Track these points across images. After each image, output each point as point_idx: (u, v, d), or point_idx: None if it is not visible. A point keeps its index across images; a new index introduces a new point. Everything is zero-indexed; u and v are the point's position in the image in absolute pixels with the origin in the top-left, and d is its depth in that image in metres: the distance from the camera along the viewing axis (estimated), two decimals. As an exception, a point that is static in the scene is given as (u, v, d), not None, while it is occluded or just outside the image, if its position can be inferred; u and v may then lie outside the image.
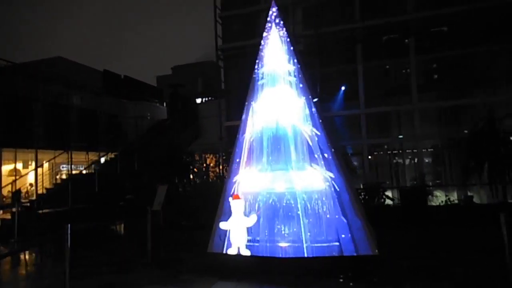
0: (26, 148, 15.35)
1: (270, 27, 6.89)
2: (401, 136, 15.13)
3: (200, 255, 6.75)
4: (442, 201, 10.94)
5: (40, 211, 11.37)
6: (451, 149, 14.48)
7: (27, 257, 8.75)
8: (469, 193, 12.29)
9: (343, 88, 15.19)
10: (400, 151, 15.63)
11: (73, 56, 23.00)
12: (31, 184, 14.81)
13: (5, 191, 14.32)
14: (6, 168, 15.77)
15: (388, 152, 15.78)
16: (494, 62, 14.16)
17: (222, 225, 6.23)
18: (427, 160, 15.44)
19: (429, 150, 15.57)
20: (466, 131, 12.19)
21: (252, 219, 6.00)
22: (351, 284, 5.34)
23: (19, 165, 16.35)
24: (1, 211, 13.20)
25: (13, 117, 14.53)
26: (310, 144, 6.14)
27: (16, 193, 13.36)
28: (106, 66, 22.93)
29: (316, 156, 6.06)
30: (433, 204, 10.87)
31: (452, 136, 14.26)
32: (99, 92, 19.36)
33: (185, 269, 6.60)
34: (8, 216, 12.55)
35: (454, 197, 12.22)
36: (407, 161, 15.59)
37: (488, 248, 6.75)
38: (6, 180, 14.90)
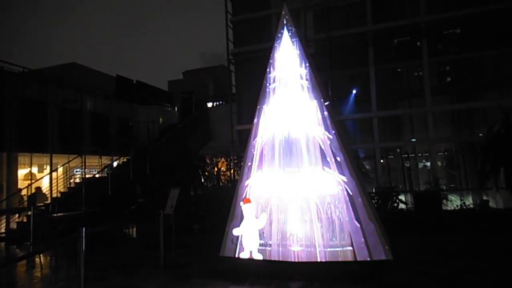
0: (41, 153, 15.64)
1: (282, 30, 6.90)
2: (414, 140, 14.93)
3: (212, 259, 6.76)
4: (457, 205, 10.74)
5: (55, 215, 11.55)
6: (465, 153, 14.22)
7: (42, 259, 8.90)
8: (484, 197, 12.04)
9: (354, 91, 15.09)
10: (413, 155, 15.42)
11: (87, 62, 23.43)
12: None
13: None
14: (22, 172, 16.09)
15: (401, 155, 15.58)
16: (509, 64, 13.90)
17: (235, 231, 6.22)
18: (440, 164, 15.20)
19: (443, 153, 15.33)
20: (480, 134, 11.96)
21: (263, 219, 6.02)
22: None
23: (35, 169, 16.65)
24: (17, 215, 13.44)
25: (28, 122, 14.84)
26: (322, 147, 6.11)
27: (32, 197, 13.59)
28: (118, 71, 23.33)
29: (328, 159, 6.02)
30: (448, 208, 10.67)
31: (466, 139, 14.02)
32: (111, 97, 19.65)
33: (197, 272, 6.60)
34: (24, 220, 12.82)
35: (469, 201, 11.99)
36: (421, 165, 15.36)
37: (505, 254, 6.60)
38: (22, 184, 15.20)
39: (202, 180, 14.17)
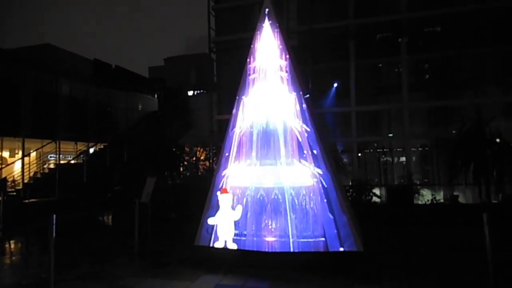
0: (12, 137, 15.07)
1: (263, 21, 6.86)
2: (391, 135, 15.26)
3: (187, 248, 6.76)
4: (428, 200, 11.11)
5: (27, 201, 11.23)
6: (439, 149, 14.67)
7: (12, 246, 8.67)
8: (455, 193, 12.50)
9: (335, 85, 15.24)
10: (389, 150, 15.79)
11: (62, 44, 22.49)
12: None
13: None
14: (-8, 156, 15.52)
15: (378, 150, 15.92)
16: (484, 63, 14.34)
17: (210, 221, 6.22)
18: (415, 159, 15.62)
19: (418, 149, 15.75)
20: (454, 132, 12.36)
21: (238, 211, 6.03)
22: (335, 278, 5.41)
23: (6, 154, 16.08)
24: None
25: (-1, 104, 14.24)
26: (300, 140, 6.16)
27: (2, 182, 13.14)
28: (96, 55, 22.61)
29: (305, 152, 6.09)
30: (420, 202, 11.03)
31: (441, 136, 14.45)
32: (89, 81, 19.09)
33: (171, 261, 6.60)
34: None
35: (440, 196, 12.41)
36: (396, 160, 15.76)
37: (470, 246, 6.91)
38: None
39: (181, 169, 14.08)
